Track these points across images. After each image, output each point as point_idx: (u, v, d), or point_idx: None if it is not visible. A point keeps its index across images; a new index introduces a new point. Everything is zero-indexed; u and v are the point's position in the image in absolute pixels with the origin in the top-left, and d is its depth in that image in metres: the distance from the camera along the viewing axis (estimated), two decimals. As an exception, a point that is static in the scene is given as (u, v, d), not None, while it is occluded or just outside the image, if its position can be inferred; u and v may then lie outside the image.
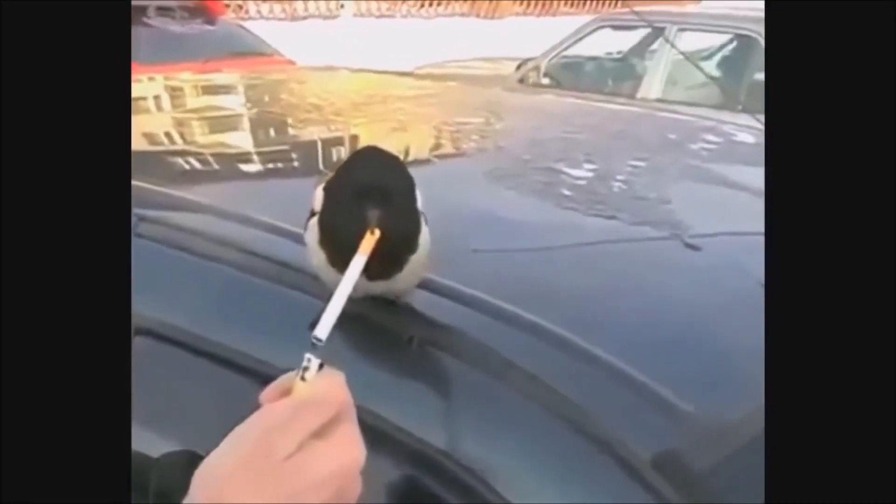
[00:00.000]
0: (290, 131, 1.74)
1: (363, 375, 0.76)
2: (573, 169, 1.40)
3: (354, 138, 1.68)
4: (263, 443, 0.50)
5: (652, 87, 5.76)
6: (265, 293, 0.97)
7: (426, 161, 1.47)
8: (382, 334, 0.91)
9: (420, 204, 0.82)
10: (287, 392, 0.54)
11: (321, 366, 0.54)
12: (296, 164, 1.56)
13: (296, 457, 0.50)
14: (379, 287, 0.82)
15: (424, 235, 0.82)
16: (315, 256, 0.82)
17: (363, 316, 0.87)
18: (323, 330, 0.56)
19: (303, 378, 0.53)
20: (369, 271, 0.69)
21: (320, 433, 0.52)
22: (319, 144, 1.63)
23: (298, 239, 0.88)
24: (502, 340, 0.87)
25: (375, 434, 0.72)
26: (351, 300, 0.64)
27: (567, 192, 1.28)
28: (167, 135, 1.75)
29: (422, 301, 0.91)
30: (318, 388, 0.53)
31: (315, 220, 0.82)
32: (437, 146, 1.66)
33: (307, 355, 0.54)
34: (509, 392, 0.82)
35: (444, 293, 0.93)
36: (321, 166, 1.50)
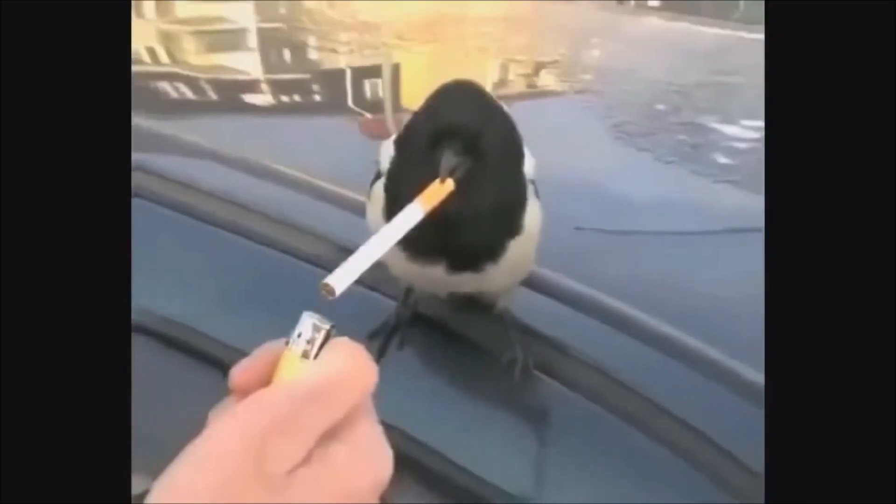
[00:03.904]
0: (312, 55, 1.52)
1: (446, 408, 0.68)
2: (727, 126, 1.17)
3: (396, 68, 1.47)
4: (254, 450, 0.39)
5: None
6: (281, 270, 0.79)
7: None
8: (474, 355, 0.73)
9: (530, 170, 0.68)
10: (269, 373, 0.41)
11: (328, 334, 0.41)
12: (317, 97, 1.36)
13: (304, 470, 0.39)
14: (466, 283, 0.68)
15: (533, 213, 0.68)
16: (374, 223, 0.70)
17: (447, 327, 0.73)
18: (340, 278, 0.42)
19: (304, 352, 0.40)
20: (451, 258, 0.63)
21: (334, 433, 0.41)
22: (349, 74, 1.41)
23: (322, 195, 0.79)
24: (629, 358, 0.71)
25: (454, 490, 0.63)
26: (433, 303, 0.58)
27: (723, 160, 1.07)
28: (150, 51, 1.52)
29: (527, 305, 0.74)
30: (333, 367, 0.41)
31: (380, 183, 0.68)
32: (525, 80, 1.43)
33: (308, 316, 0.40)
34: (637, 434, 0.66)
35: (546, 290, 0.76)
36: (350, 102, 1.30)
